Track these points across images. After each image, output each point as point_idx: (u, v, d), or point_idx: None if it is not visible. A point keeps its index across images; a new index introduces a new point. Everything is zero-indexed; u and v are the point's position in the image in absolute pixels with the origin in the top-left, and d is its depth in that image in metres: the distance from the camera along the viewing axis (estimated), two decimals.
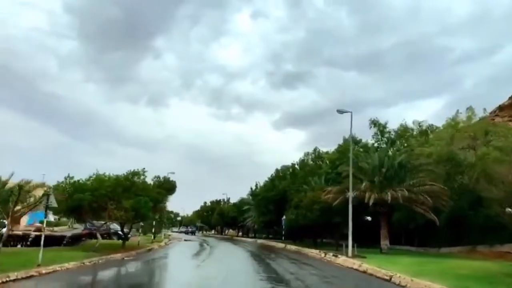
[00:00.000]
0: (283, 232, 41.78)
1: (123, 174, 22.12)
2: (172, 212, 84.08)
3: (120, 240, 26.98)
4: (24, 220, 41.56)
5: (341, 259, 20.94)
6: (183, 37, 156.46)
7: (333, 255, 22.82)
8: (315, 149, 54.29)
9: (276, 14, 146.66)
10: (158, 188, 26.09)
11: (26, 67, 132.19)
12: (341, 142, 43.77)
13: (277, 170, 46.79)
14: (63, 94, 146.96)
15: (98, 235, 21.36)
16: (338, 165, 43.54)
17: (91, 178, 20.75)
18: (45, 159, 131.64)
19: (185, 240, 51.49)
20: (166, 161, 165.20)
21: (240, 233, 75.61)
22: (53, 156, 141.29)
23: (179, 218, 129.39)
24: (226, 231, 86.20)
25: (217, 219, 76.79)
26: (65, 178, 20.33)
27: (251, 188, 46.76)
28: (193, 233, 79.89)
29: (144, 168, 23.16)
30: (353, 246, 23.00)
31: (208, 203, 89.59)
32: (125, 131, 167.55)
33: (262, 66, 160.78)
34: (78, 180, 20.45)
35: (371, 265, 16.91)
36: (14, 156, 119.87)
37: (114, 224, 44.39)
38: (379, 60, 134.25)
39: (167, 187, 26.69)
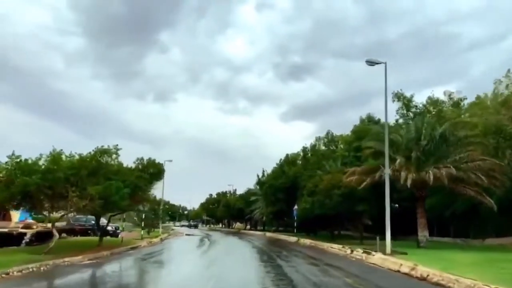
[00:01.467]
0: (295, 224, 36.62)
1: (90, 153, 17.00)
2: (174, 205, 79.76)
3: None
4: (16, 216, 36.99)
5: (377, 257, 15.69)
6: (188, 30, 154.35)
7: (364, 252, 17.57)
8: (327, 133, 49.02)
9: (281, 5, 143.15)
10: (140, 172, 20.91)
11: (33, 64, 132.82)
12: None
13: (286, 156, 41.58)
14: (70, 91, 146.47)
15: (54, 232, 16.31)
16: (356, 148, 38.56)
17: (44, 157, 15.71)
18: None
19: (186, 234, 46.73)
20: (174, 156, 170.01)
21: (248, 226, 70.76)
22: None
23: (186, 212, 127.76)
24: (234, 225, 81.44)
25: (223, 212, 71.97)
26: (9, 158, 15.37)
27: (258, 176, 41.65)
28: (195, 226, 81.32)
29: (117, 145, 18.02)
30: (382, 239, 17.82)
31: (214, 195, 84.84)
32: (133, 127, 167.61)
33: (268, 58, 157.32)
34: (26, 160, 15.43)
35: (427, 266, 11.72)
36: (23, 154, 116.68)
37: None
38: (387, 49, 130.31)
39: (151, 171, 21.50)
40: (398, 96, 35.91)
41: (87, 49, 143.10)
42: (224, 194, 78.40)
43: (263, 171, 41.45)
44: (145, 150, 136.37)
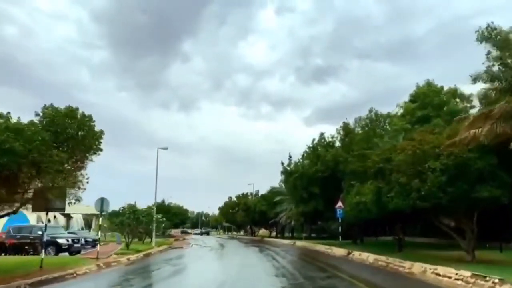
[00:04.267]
0: (339, 229, 25.10)
1: None
2: (187, 210, 69.48)
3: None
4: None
5: None
6: (210, 38, 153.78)
7: None
8: (370, 110, 37.19)
9: (302, 7, 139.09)
10: (48, 132, 10.24)
11: (60, 78, 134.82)
12: None
13: (321, 135, 30.27)
14: (96, 102, 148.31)
15: None
16: (421, 118, 27.45)
17: None
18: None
19: (193, 245, 36.09)
20: (199, 163, 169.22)
21: (274, 233, 59.53)
22: (90, 164, 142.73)
23: (207, 219, 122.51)
24: (257, 232, 70.21)
25: (242, 217, 60.94)
26: None
27: (283, 164, 30.38)
28: (207, 233, 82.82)
29: None
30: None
31: (234, 198, 73.80)
32: (158, 136, 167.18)
33: (290, 62, 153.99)
34: None
35: None
36: None
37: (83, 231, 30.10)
38: (412, 47, 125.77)
39: (70, 131, 10.82)
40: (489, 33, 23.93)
41: (112, 61, 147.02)
42: (244, 195, 67.39)
43: (290, 157, 30.26)
44: (171, 158, 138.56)
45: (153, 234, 30.73)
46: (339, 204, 24.91)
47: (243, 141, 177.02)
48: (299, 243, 35.24)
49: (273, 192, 52.70)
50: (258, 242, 43.21)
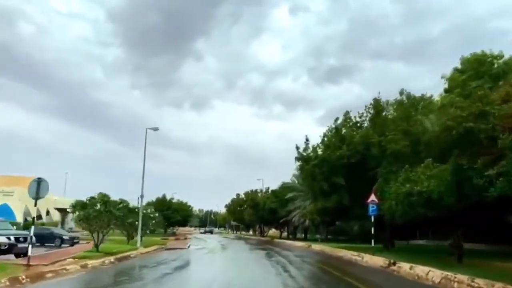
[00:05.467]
0: (372, 229, 19.08)
1: None
2: (190, 206, 64.04)
3: None
4: None
5: None
6: (222, 37, 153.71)
7: None
8: (401, 92, 31.16)
9: (316, 7, 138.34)
10: None
11: (75, 76, 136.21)
12: None
13: (346, 114, 24.23)
14: (111, 100, 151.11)
15: None
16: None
17: None
18: (95, 165, 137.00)
19: (190, 246, 30.54)
20: (210, 163, 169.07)
21: (285, 233, 53.65)
22: (103, 162, 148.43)
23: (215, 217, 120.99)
24: (266, 231, 64.32)
25: (250, 215, 55.18)
26: None
27: (297, 148, 24.39)
28: (210, 232, 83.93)
29: None
30: None
31: (242, 195, 67.90)
32: (170, 135, 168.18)
33: (303, 62, 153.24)
34: None
35: None
36: (68, 163, 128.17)
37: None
38: (427, 48, 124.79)
39: None
40: None
41: (126, 60, 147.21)
42: (253, 192, 61.55)
43: (307, 140, 24.28)
44: (183, 157, 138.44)
45: (139, 232, 25.26)
46: (372, 198, 19.03)
47: (254, 141, 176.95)
48: (315, 246, 29.36)
49: (284, 187, 46.94)
50: (267, 244, 37.42)
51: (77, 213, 18.27)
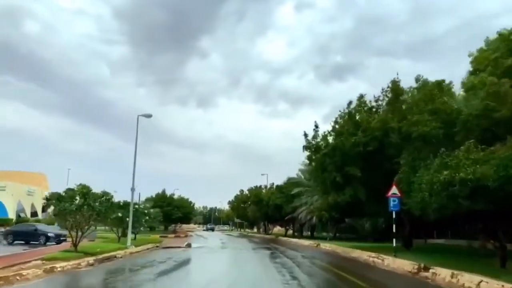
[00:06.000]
0: (394, 226, 16.26)
1: None
2: (191, 202, 61.54)
3: None
4: None
5: None
6: (228, 35, 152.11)
7: None
8: (417, 79, 28.35)
9: (322, 4, 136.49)
10: None
11: (80, 74, 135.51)
12: None
13: (360, 97, 21.43)
14: (116, 98, 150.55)
15: None
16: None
17: None
18: (100, 163, 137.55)
19: (188, 244, 28.00)
20: (215, 160, 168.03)
21: (291, 231, 51.02)
22: (107, 159, 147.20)
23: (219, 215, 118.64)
24: (271, 229, 61.72)
25: (254, 211, 52.57)
26: None
27: (305, 135, 21.59)
28: (212, 230, 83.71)
29: None
30: None
31: (246, 192, 65.16)
32: (176, 132, 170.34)
33: (309, 59, 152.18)
34: None
35: None
36: (73, 160, 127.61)
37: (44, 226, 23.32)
38: (433, 45, 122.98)
39: None
40: None
41: (131, 57, 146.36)
42: (257, 188, 58.83)
43: (316, 126, 21.50)
44: (188, 155, 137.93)
45: (129, 229, 22.77)
46: (393, 190, 16.29)
47: (259, 138, 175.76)
48: (324, 245, 26.74)
49: (290, 183, 44.28)
50: (271, 243, 34.84)
51: (52, 207, 15.76)
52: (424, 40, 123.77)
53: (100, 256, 16.38)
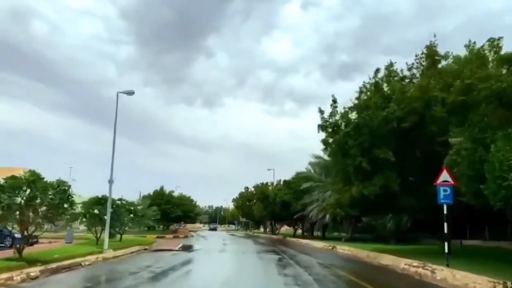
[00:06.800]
0: (446, 226, 12.02)
1: None
2: (193, 201, 57.56)
3: None
4: None
5: None
6: (234, 34, 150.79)
7: None
8: (446, 56, 23.90)
9: (328, 2, 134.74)
10: None
11: (87, 74, 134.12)
12: None
13: (390, 65, 17.15)
14: (123, 98, 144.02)
15: None
16: None
17: None
18: (105, 162, 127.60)
19: (184, 246, 23.96)
20: (221, 160, 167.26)
21: (300, 231, 46.74)
22: (116, 159, 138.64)
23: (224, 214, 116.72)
24: (278, 229, 57.46)
25: (260, 209, 48.38)
26: None
27: (321, 113, 17.29)
28: (214, 229, 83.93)
29: None
30: None
31: (251, 189, 60.83)
32: (182, 132, 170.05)
33: (315, 58, 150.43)
34: None
35: None
36: (79, 160, 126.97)
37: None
38: (440, 44, 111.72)
39: None
40: None
41: (138, 57, 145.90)
42: (263, 185, 54.47)
43: (334, 101, 17.13)
44: (194, 155, 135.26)
45: (106, 229, 18.77)
46: (445, 177, 12.05)
47: (266, 138, 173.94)
48: (342, 248, 22.54)
49: (299, 177, 40.06)
50: (279, 244, 30.67)
51: None
52: (431, 38, 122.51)
53: (54, 266, 12.36)
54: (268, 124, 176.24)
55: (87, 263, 14.63)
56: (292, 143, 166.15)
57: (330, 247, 24.42)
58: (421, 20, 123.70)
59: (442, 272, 10.79)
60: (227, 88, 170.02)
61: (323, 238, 36.56)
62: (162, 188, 49.47)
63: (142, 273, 11.95)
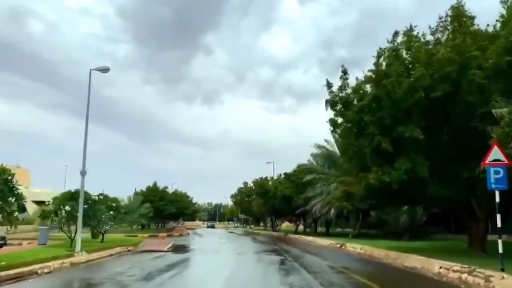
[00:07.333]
0: (498, 217, 9.26)
1: None
2: (189, 197, 54.78)
3: None
4: None
5: None
6: (232, 31, 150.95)
7: None
8: (475, 18, 20.91)
9: None
10: None
11: (85, 73, 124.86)
12: None
13: (409, 30, 14.34)
14: (122, 97, 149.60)
15: None
16: None
17: None
18: (107, 162, 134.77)
19: (175, 245, 21.19)
20: (221, 157, 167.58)
21: (301, 227, 44.00)
22: (115, 159, 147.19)
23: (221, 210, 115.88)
24: (279, 225, 54.69)
25: (260, 205, 45.62)
26: None
27: (329, 86, 14.54)
28: (212, 227, 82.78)
29: None
30: None
31: (250, 184, 57.85)
32: (182, 130, 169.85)
33: (313, 54, 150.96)
34: None
35: None
36: (78, 159, 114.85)
37: None
38: None
39: None
40: None
41: (136, 55, 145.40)
42: (263, 179, 51.51)
43: (344, 71, 14.31)
44: (194, 153, 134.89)
45: (79, 228, 15.98)
46: (496, 155, 9.27)
47: (265, 134, 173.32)
48: (352, 246, 19.79)
49: (301, 170, 37.29)
50: (281, 242, 27.92)
51: None
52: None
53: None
54: (268, 121, 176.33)
55: (46, 270, 11.84)
56: (292, 140, 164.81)
57: (338, 245, 21.66)
58: (420, 15, 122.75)
59: (503, 281, 8.00)
60: (227, 85, 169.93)
61: (327, 234, 33.84)
62: (155, 184, 46.55)
63: (107, 285, 9.17)
